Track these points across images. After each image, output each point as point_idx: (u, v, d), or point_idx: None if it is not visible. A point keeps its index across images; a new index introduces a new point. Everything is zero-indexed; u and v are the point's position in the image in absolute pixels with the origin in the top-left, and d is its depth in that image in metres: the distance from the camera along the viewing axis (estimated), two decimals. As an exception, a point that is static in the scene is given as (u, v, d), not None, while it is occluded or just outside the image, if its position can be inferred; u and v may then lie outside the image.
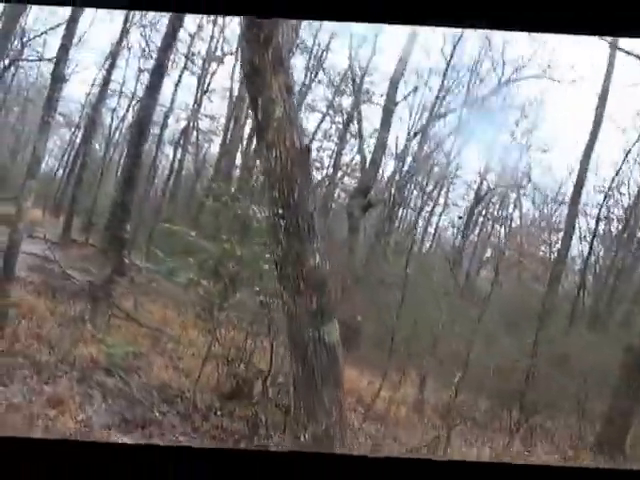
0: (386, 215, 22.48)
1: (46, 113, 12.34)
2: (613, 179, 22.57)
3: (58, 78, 12.76)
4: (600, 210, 22.97)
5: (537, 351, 14.04)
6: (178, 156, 25.48)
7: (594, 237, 23.32)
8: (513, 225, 26.28)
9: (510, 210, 26.12)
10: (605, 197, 22.88)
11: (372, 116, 28.16)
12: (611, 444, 12.97)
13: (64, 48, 13.18)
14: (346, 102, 25.53)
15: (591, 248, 23.13)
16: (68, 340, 8.57)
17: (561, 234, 22.59)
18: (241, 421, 7.49)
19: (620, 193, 23.04)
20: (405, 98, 22.52)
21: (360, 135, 22.94)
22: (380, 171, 22.71)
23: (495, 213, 26.68)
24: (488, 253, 27.94)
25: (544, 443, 12.03)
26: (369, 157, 21.54)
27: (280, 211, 5.53)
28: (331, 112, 25.62)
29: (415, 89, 22.87)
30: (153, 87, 15.99)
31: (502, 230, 26.44)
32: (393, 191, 22.45)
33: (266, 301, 8.03)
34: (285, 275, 5.62)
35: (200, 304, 9.49)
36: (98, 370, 7.77)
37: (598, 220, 23.19)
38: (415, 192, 25.88)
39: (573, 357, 15.31)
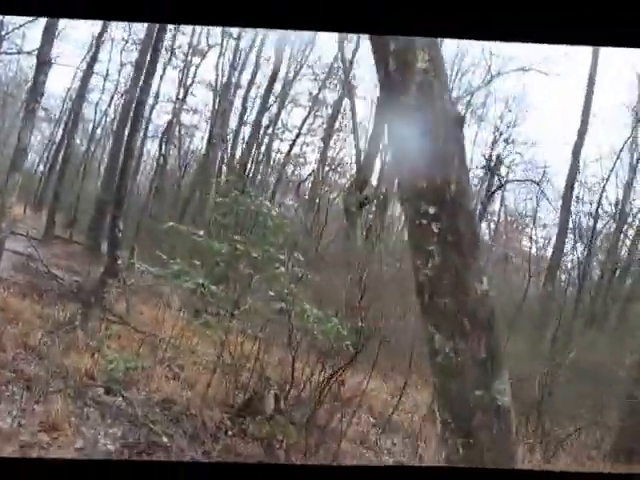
0: (380, 210, 22.00)
1: (30, 102, 11.60)
2: (608, 176, 22.15)
3: (43, 63, 11.95)
4: (598, 207, 22.62)
5: (548, 355, 13.45)
6: (163, 151, 24.70)
7: (593, 235, 22.93)
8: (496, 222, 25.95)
9: (496, 207, 25.72)
10: (600, 195, 22.53)
11: (358, 110, 27.67)
12: (627, 453, 12.39)
13: (48, 32, 12.36)
14: (330, 96, 25.11)
15: (590, 244, 22.73)
16: (59, 349, 7.77)
17: (546, 230, 22.16)
18: (256, 442, 6.70)
19: (604, 189, 22.69)
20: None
21: (355, 129, 22.41)
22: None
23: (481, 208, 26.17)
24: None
25: (562, 454, 11.40)
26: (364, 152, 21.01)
27: (431, 210, 3.70)
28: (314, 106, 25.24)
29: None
30: (146, 75, 15.18)
31: (487, 226, 25.98)
32: (385, 187, 21.99)
33: (286, 308, 7.14)
34: (438, 307, 3.65)
35: (208, 309, 8.65)
36: (94, 386, 6.96)
37: (596, 218, 22.84)
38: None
39: (582, 360, 14.71)
